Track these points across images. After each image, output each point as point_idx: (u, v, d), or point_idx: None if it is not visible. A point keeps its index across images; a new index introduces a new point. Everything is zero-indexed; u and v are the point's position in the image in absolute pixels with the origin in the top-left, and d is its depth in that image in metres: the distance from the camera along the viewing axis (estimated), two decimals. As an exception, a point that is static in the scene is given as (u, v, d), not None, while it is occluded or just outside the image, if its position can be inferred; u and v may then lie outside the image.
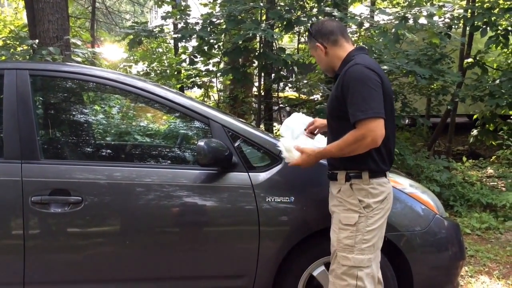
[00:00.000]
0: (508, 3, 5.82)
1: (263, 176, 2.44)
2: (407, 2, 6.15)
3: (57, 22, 4.79)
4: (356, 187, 2.16)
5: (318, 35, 2.31)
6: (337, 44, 2.28)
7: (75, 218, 2.29)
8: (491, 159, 7.27)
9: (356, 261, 2.13)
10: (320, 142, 2.43)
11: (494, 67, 7.33)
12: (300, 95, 7.32)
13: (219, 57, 6.68)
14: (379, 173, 2.17)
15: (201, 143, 2.27)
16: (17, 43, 5.33)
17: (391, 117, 2.21)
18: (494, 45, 6.18)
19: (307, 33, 2.10)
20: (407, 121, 8.68)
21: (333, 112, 2.23)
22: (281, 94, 7.49)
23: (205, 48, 5.96)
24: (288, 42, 7.98)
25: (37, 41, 4.66)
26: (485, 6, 5.95)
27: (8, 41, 5.52)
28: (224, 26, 5.81)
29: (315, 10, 5.87)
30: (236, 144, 2.48)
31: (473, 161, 7.01)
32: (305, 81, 7.07)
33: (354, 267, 2.13)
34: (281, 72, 6.55)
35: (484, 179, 6.27)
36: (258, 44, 6.37)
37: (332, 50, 2.28)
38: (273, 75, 6.56)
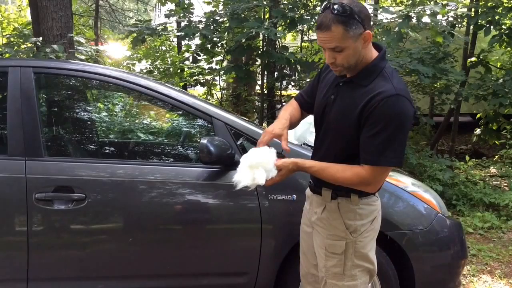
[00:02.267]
0: (512, 2, 5.80)
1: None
2: (410, 1, 6.13)
3: (61, 20, 4.81)
4: (343, 208, 1.89)
5: (366, 21, 1.72)
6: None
7: (78, 215, 2.30)
8: (494, 158, 7.25)
9: None
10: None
11: (498, 66, 7.30)
12: (303, 93, 7.30)
13: (222, 55, 6.69)
14: (370, 193, 1.91)
15: (204, 141, 2.27)
16: (21, 40, 5.35)
17: None
18: (497, 44, 6.16)
19: (341, 18, 1.67)
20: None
21: (344, 131, 1.83)
22: (284, 93, 7.48)
23: (208, 46, 5.97)
24: (291, 41, 7.98)
25: (41, 38, 4.68)
26: (488, 5, 5.92)
27: (12, 39, 5.54)
28: (227, 24, 5.81)
29: (318, 8, 5.87)
30: (239, 142, 2.48)
31: (476, 160, 6.99)
32: (308, 80, 7.07)
33: None
34: (284, 71, 6.56)
35: (487, 179, 6.25)
36: (261, 42, 6.36)
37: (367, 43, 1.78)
38: (276, 73, 6.56)
